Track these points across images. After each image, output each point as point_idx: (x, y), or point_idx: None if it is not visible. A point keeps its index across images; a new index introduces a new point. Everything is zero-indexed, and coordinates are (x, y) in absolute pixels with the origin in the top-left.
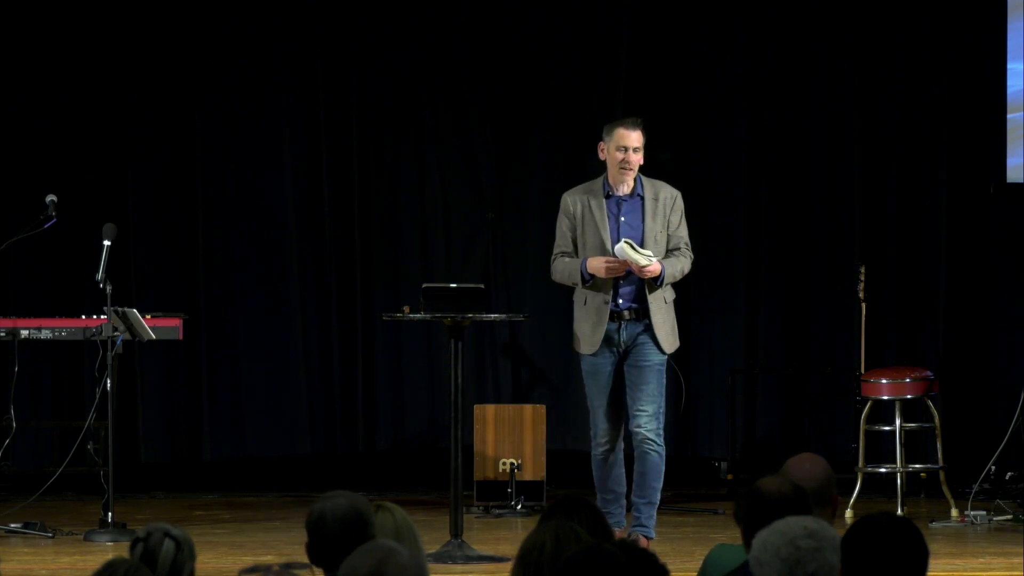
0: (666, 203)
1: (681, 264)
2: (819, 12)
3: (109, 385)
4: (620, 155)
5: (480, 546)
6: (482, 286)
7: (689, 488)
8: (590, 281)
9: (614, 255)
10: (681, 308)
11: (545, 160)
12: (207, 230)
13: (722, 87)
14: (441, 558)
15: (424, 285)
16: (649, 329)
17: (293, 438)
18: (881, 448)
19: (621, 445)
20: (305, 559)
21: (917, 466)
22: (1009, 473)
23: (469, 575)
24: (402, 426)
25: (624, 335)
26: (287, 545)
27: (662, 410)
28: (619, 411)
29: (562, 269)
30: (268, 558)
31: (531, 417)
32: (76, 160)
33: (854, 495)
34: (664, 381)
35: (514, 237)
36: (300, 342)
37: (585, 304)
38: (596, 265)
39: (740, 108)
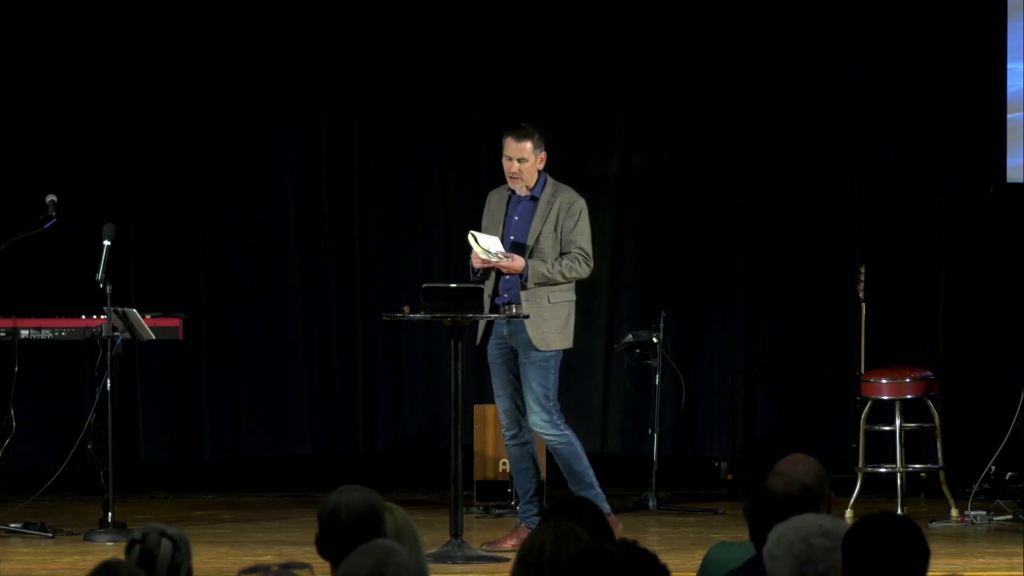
0: (561, 206)
1: (561, 267)
2: (819, 12)
3: (109, 385)
4: (506, 164)
5: (480, 546)
6: (482, 286)
7: (689, 488)
8: (477, 273)
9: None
10: (681, 308)
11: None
12: (207, 230)
13: (722, 87)
14: (441, 558)
15: (424, 285)
16: (524, 327)
17: (293, 438)
18: (881, 448)
19: (529, 437)
20: (305, 558)
21: (917, 466)
22: (1009, 473)
23: (469, 575)
24: (402, 426)
25: (506, 330)
26: (287, 545)
27: (551, 403)
28: (515, 402)
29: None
30: (268, 558)
31: None
32: (76, 160)
33: (854, 495)
34: (551, 375)
35: None
36: (300, 342)
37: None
38: (472, 256)
39: (740, 108)
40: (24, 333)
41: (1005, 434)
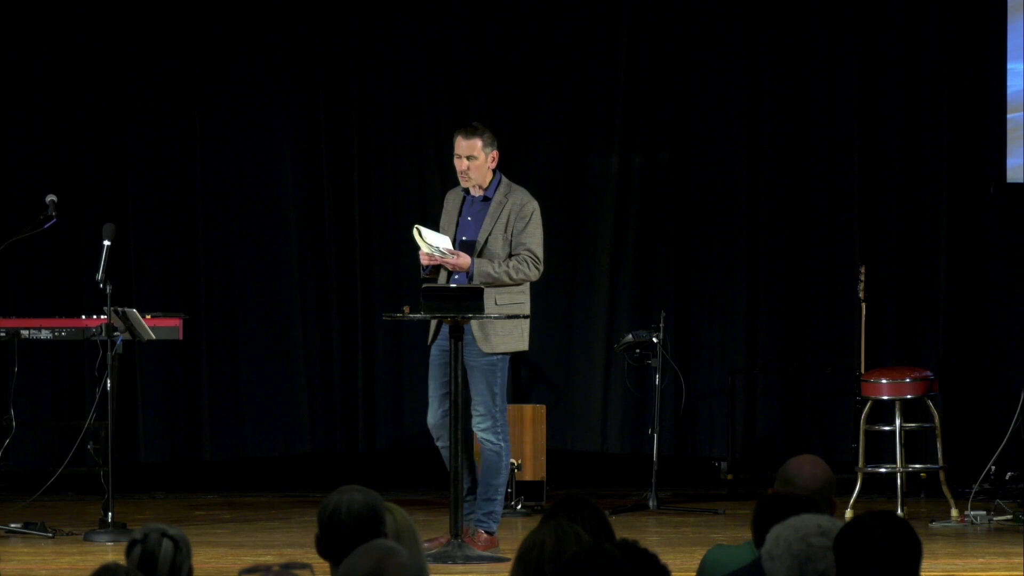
0: (513, 207)
1: (508, 268)
2: (819, 11)
3: (109, 385)
4: (456, 162)
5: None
6: (482, 286)
7: (689, 488)
8: (427, 270)
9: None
10: (681, 308)
11: (544, 160)
12: (207, 230)
13: (722, 87)
14: (441, 558)
15: (424, 285)
16: (471, 329)
17: (293, 438)
18: (881, 448)
19: (445, 443)
20: (305, 558)
21: (917, 466)
22: (1009, 473)
23: (469, 575)
24: (402, 426)
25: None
26: (287, 545)
27: (498, 408)
28: (444, 407)
29: None
30: (268, 558)
31: (531, 417)
32: (76, 160)
33: (854, 495)
34: (498, 379)
35: None
36: (300, 342)
37: None
38: (420, 255)
39: (740, 108)
40: (24, 333)
41: (1005, 434)
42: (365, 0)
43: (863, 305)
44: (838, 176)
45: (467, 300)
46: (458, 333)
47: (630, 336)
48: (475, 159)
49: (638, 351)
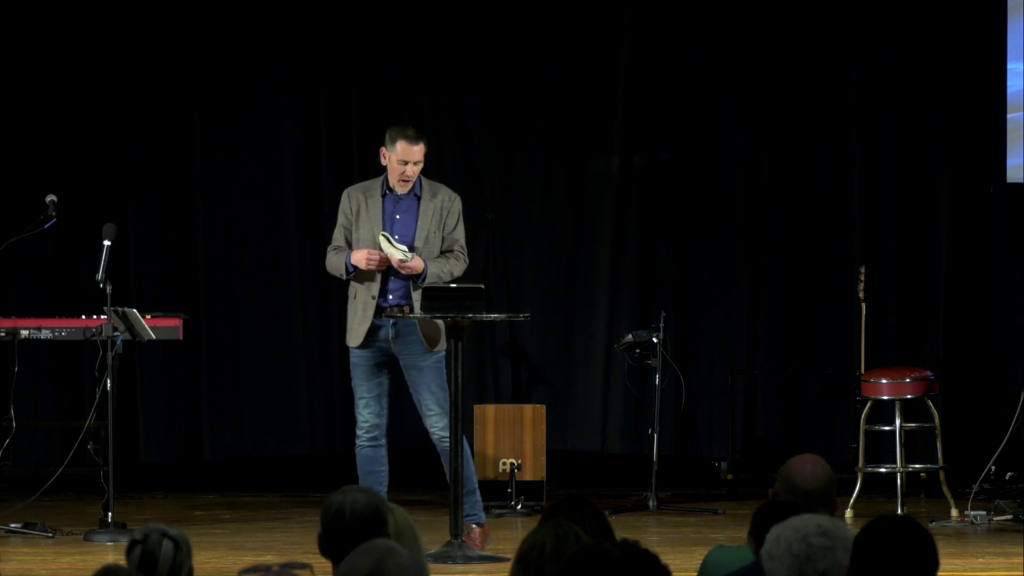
0: (443, 205)
1: (450, 266)
2: (819, 12)
3: (109, 385)
4: (401, 168)
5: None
6: (482, 286)
7: (689, 488)
8: (353, 272)
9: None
10: (681, 308)
11: (545, 160)
12: (207, 230)
13: (722, 87)
14: (441, 558)
15: (424, 285)
16: (415, 330)
17: (293, 438)
18: (881, 448)
19: (384, 442)
20: (305, 558)
21: (917, 466)
22: (1009, 473)
23: (469, 575)
24: (402, 426)
25: (392, 331)
26: (287, 545)
27: (449, 403)
28: (382, 405)
29: (330, 261)
30: (268, 558)
31: (531, 417)
32: (76, 160)
33: (854, 495)
34: (443, 375)
35: (514, 237)
36: (300, 342)
37: (355, 298)
38: (358, 257)
39: (740, 108)
40: (24, 333)
41: (1005, 434)
42: (365, 0)
43: (863, 305)
44: (838, 176)
45: (467, 300)
46: (458, 333)
47: (630, 336)
48: (419, 164)
49: (638, 351)
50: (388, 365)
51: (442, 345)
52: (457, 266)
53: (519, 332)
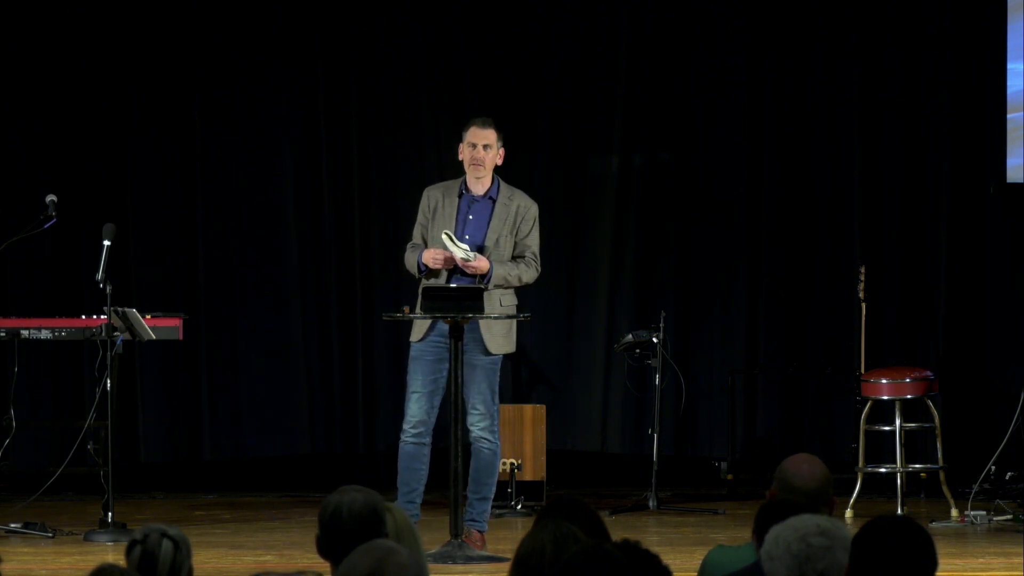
0: (518, 210)
1: (519, 271)
2: (819, 12)
3: (109, 385)
4: (470, 151)
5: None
6: (482, 286)
7: (689, 488)
8: (425, 270)
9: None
10: (681, 308)
11: (545, 160)
12: (207, 230)
13: (722, 87)
14: (441, 558)
15: (424, 285)
16: (478, 328)
17: (293, 438)
18: (881, 448)
19: (429, 440)
20: (304, 558)
21: (917, 466)
22: (1009, 473)
23: (469, 575)
24: (402, 426)
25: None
26: (287, 545)
27: (495, 407)
28: (433, 403)
29: (407, 258)
30: (268, 558)
31: (531, 417)
32: (76, 160)
33: (854, 495)
34: (497, 379)
35: None
36: (300, 342)
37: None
38: (428, 256)
39: (740, 108)
40: (24, 333)
41: (1005, 434)
42: (365, 0)
43: (863, 305)
44: (838, 176)
45: (467, 300)
46: (458, 333)
47: (630, 336)
48: (490, 148)
49: (638, 351)
50: (447, 363)
51: (502, 347)
52: (527, 272)
53: (519, 332)
